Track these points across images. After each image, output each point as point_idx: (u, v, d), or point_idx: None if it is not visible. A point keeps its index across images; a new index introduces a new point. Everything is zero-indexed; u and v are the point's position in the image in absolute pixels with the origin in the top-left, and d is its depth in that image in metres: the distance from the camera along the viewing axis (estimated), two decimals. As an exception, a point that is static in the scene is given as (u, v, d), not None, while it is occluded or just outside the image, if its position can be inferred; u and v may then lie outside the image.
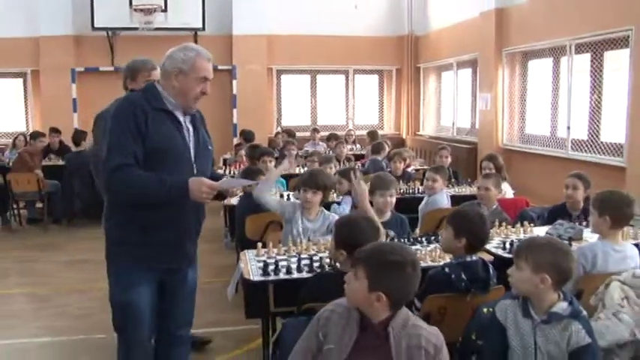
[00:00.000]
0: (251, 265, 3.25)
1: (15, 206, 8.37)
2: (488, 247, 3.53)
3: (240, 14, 10.97)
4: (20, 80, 11.05)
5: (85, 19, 10.24)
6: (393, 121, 12.39)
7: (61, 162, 8.61)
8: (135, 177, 2.59)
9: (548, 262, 2.30)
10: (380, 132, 11.48)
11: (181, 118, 2.76)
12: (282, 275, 3.09)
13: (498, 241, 3.72)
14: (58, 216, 8.36)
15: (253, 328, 4.09)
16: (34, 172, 7.92)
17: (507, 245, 3.59)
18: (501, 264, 3.11)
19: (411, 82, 12.05)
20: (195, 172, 2.73)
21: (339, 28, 11.39)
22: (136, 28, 10.01)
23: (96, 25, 10.17)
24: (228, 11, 10.94)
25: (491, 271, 2.78)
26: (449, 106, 11.00)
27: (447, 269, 2.78)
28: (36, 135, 8.45)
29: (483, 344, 2.40)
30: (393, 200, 3.94)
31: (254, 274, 3.10)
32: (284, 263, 3.22)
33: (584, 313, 2.37)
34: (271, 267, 3.10)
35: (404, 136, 12.17)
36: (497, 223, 3.94)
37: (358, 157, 8.60)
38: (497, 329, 2.39)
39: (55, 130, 9.09)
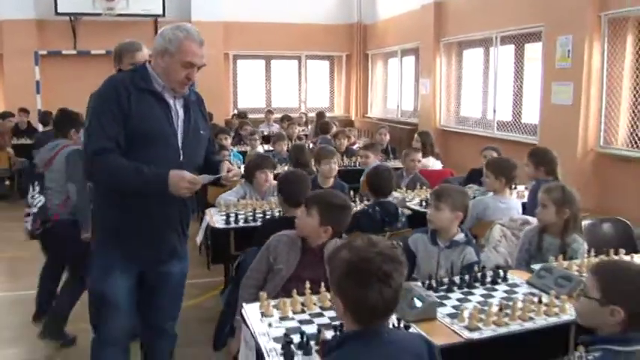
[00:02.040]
0: (215, 217, 4.01)
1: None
2: (409, 204, 4.41)
3: (198, 1, 11.52)
4: (-18, 63, 11.36)
5: (48, 3, 10.60)
6: (343, 104, 13.19)
7: (29, 141, 9.10)
8: (113, 164, 2.43)
9: (462, 203, 3.17)
10: (331, 114, 12.30)
11: (170, 101, 2.57)
12: (241, 224, 3.86)
13: (417, 200, 4.58)
14: (26, 191, 8.86)
15: (216, 280, 4.88)
16: (6, 150, 8.42)
17: (424, 203, 4.44)
18: (419, 217, 3.97)
19: (359, 68, 12.86)
20: (181, 158, 2.56)
21: (293, 15, 12.04)
22: (98, 14, 10.46)
23: (59, 11, 10.56)
24: (187, -2, 11.51)
25: (399, 211, 3.66)
26: (394, 91, 11.85)
27: (368, 208, 3.66)
28: (5, 115, 8.92)
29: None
30: (335, 167, 4.76)
31: (218, 223, 3.86)
32: (242, 215, 3.99)
33: (474, 241, 3.23)
34: (232, 217, 3.87)
35: (353, 118, 12.98)
36: (418, 186, 4.83)
37: (307, 137, 9.37)
38: (408, 255, 3.22)
39: (23, 110, 9.54)
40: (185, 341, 3.88)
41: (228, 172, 2.70)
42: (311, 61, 12.96)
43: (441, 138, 9.35)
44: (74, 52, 11.00)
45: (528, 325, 2.28)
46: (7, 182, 8.99)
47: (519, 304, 2.38)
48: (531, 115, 7.64)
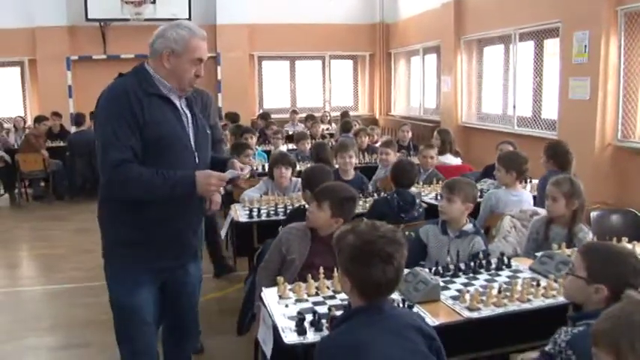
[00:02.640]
0: (240, 212, 4.23)
1: (21, 185, 9.23)
2: (425, 198, 4.58)
3: (223, 5, 11.81)
4: (18, 69, 11.73)
5: (78, 10, 10.97)
6: (366, 103, 13.34)
7: (62, 143, 9.47)
8: (136, 175, 2.35)
9: (472, 195, 3.34)
10: (355, 113, 12.49)
11: (177, 103, 2.52)
12: (263, 218, 4.07)
13: (433, 195, 4.74)
14: (61, 192, 9.25)
15: (240, 274, 5.11)
16: (41, 152, 8.79)
17: (439, 197, 4.59)
18: (434, 210, 4.14)
19: (383, 67, 12.98)
20: (197, 161, 2.53)
21: (316, 16, 12.22)
22: (127, 19, 10.79)
23: (89, 17, 10.92)
24: (212, 2, 11.76)
25: (417, 200, 3.95)
26: (417, 89, 11.97)
27: (387, 195, 3.98)
28: (40, 118, 9.31)
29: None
30: (352, 160, 4.98)
31: (242, 218, 4.08)
32: (264, 210, 4.21)
33: (482, 231, 3.39)
34: (255, 212, 4.09)
35: (377, 117, 13.12)
36: (434, 181, 5.00)
37: (332, 135, 9.56)
38: (420, 244, 3.40)
39: (56, 114, 9.93)
40: (212, 330, 4.16)
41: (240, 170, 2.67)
42: (335, 61, 13.13)
43: (463, 134, 9.45)
44: (104, 56, 11.37)
45: (526, 306, 2.45)
46: (43, 184, 9.38)
47: (518, 287, 2.54)
48: (551, 110, 7.70)
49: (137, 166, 2.36)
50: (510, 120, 8.54)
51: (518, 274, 2.81)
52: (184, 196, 2.43)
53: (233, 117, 9.83)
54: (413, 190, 4.57)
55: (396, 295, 2.47)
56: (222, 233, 4.53)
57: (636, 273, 2.02)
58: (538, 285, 2.56)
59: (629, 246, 3.07)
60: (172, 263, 2.62)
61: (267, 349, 2.33)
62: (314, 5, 12.22)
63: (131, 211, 2.45)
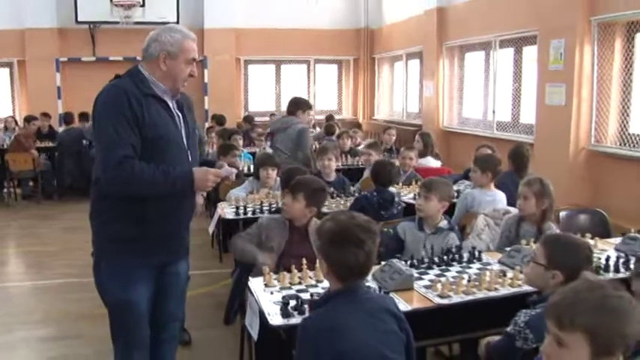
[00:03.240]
0: (226, 210, 4.42)
1: (9, 184, 9.33)
2: (404, 198, 4.79)
3: (210, 9, 11.98)
4: (7, 70, 11.81)
5: (68, 12, 11.09)
6: (350, 107, 13.56)
7: (51, 144, 9.58)
8: (138, 171, 2.45)
9: (448, 194, 3.57)
10: (339, 116, 12.72)
11: (170, 104, 2.65)
12: (249, 215, 4.26)
13: (411, 195, 4.95)
14: (50, 192, 9.36)
15: (227, 271, 5.27)
16: (30, 152, 8.90)
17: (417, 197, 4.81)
18: (412, 209, 4.36)
19: (367, 71, 13.22)
20: (190, 159, 2.68)
21: (301, 21, 12.45)
22: (116, 22, 10.92)
23: (79, 19, 11.05)
24: (200, 7, 11.94)
25: (396, 199, 4.18)
26: (400, 93, 12.21)
27: (367, 193, 4.22)
28: (30, 118, 9.42)
29: (383, 250, 3.61)
30: (332, 163, 5.19)
31: (229, 215, 4.26)
32: (250, 208, 4.40)
33: (456, 227, 3.61)
34: (241, 210, 4.28)
35: (360, 120, 13.35)
36: (413, 182, 5.22)
37: (316, 138, 9.74)
38: (397, 240, 3.61)
39: (45, 115, 10.04)
40: (198, 323, 4.34)
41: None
42: (319, 65, 13.34)
43: (444, 138, 9.71)
44: (93, 58, 11.49)
45: (493, 294, 2.66)
46: (32, 183, 9.47)
47: (487, 277, 2.75)
48: (529, 115, 7.95)
49: (139, 163, 2.46)
50: (490, 124, 8.80)
51: (488, 267, 3.03)
52: (182, 191, 2.56)
53: (219, 119, 10.01)
54: (392, 189, 4.80)
55: (373, 284, 2.67)
56: (210, 230, 4.71)
57: (588, 261, 2.26)
58: (505, 275, 2.78)
59: (591, 241, 3.31)
60: (167, 258, 2.73)
61: (254, 332, 2.52)
62: (300, 10, 12.43)
63: (128, 208, 2.54)
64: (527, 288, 2.64)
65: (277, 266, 3.10)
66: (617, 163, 6.35)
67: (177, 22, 11.25)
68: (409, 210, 4.39)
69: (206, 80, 12.20)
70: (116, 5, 10.86)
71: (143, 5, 11.01)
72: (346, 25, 13.02)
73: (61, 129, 10.13)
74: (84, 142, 9.05)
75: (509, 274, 2.83)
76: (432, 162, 6.52)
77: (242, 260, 3.34)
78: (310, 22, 12.53)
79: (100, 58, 11.42)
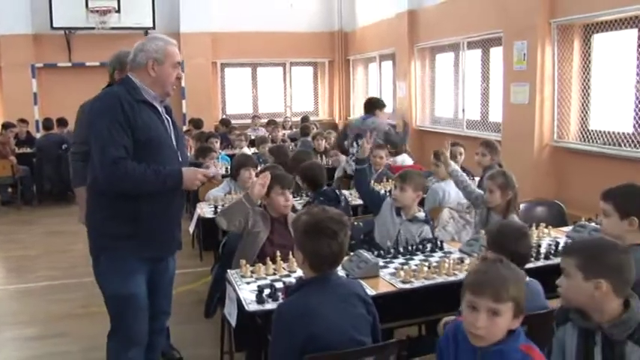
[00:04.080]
0: (205, 209, 4.61)
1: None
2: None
3: (186, 14, 12.14)
4: (-18, 76, 11.87)
5: (43, 18, 11.16)
6: (327, 108, 13.81)
7: (29, 150, 9.65)
8: (131, 170, 2.63)
9: (422, 185, 3.83)
10: (315, 118, 12.97)
11: (160, 109, 2.83)
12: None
13: (383, 192, 5.18)
14: (29, 198, 9.44)
15: (207, 269, 5.47)
16: (9, 158, 8.97)
17: (388, 194, 5.05)
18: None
19: (342, 73, 13.49)
20: (180, 159, 2.88)
21: (277, 24, 12.65)
22: (92, 28, 11.01)
23: (55, 25, 11.12)
24: (176, 11, 12.08)
25: (337, 193, 4.51)
26: (374, 94, 12.46)
27: (313, 199, 4.44)
28: (7, 125, 9.50)
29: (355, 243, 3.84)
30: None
31: (207, 214, 4.46)
32: (228, 206, 4.61)
33: (431, 221, 3.87)
34: (219, 209, 4.47)
35: (337, 121, 13.60)
36: (384, 180, 5.47)
37: (293, 139, 9.97)
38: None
39: (23, 121, 10.11)
40: (181, 319, 4.52)
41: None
42: (295, 68, 13.57)
43: (417, 137, 9.99)
44: (69, 64, 11.57)
45: (451, 279, 2.91)
46: (10, 189, 9.54)
47: (446, 264, 3.00)
48: (497, 114, 8.26)
49: (132, 163, 2.66)
50: (460, 123, 9.10)
51: (449, 255, 3.27)
52: (172, 189, 2.78)
53: (197, 123, 10.18)
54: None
55: (342, 273, 2.90)
56: (190, 230, 4.89)
57: (528, 246, 2.57)
58: (462, 262, 3.03)
59: (546, 230, 3.58)
60: (160, 253, 2.93)
61: (232, 319, 2.73)
62: (275, 14, 12.64)
63: (122, 206, 2.72)
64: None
65: (260, 256, 3.26)
66: (578, 158, 6.67)
67: (154, 27, 11.43)
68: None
69: (183, 84, 12.29)
70: (92, 11, 10.97)
71: (119, 11, 11.14)
72: (321, 27, 13.26)
73: (38, 135, 10.19)
74: (63, 146, 9.16)
75: (467, 260, 3.08)
76: (407, 160, 6.79)
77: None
78: (285, 25, 12.75)
79: (76, 63, 11.51)
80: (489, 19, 7.98)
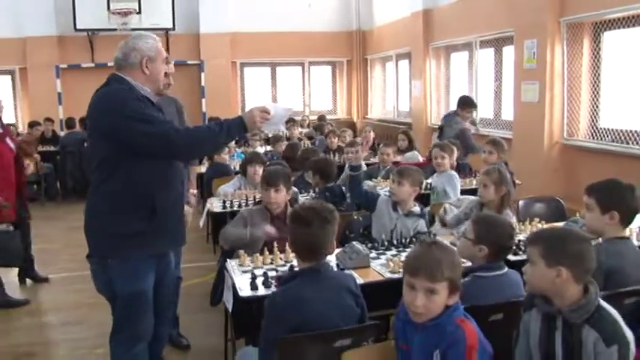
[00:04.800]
0: (215, 204, 4.80)
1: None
2: (382, 191, 5.17)
3: (206, 14, 12.37)
4: (9, 77, 12.23)
5: (67, 20, 11.52)
6: (345, 106, 13.95)
7: (53, 148, 9.98)
8: (194, 132, 2.73)
9: (419, 180, 3.96)
10: (333, 116, 13.14)
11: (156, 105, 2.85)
12: (235, 208, 4.65)
13: (388, 188, 5.32)
14: (52, 194, 9.76)
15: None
16: (33, 156, 9.27)
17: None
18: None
19: (359, 72, 13.63)
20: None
21: (295, 24, 12.82)
22: (114, 29, 11.29)
23: (78, 27, 11.47)
24: (195, 12, 12.31)
25: (343, 189, 4.62)
26: (391, 93, 12.60)
27: (320, 193, 4.62)
28: (33, 124, 9.85)
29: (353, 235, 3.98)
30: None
31: (217, 208, 4.65)
32: (237, 202, 4.79)
33: (426, 214, 3.99)
34: (228, 203, 4.66)
35: (355, 120, 13.74)
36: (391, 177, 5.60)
37: (310, 137, 10.13)
38: (373, 197, 4.06)
39: (49, 120, 10.47)
40: (192, 309, 4.73)
41: None
42: (314, 67, 13.74)
43: (431, 136, 10.05)
44: (92, 64, 11.88)
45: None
46: (35, 186, 9.86)
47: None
48: (509, 112, 8.33)
49: (186, 127, 2.79)
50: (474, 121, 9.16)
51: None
52: (237, 136, 2.89)
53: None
54: (370, 184, 5.19)
55: (333, 263, 3.05)
56: (200, 223, 5.09)
57: (511, 238, 2.65)
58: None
59: (539, 225, 3.69)
60: (171, 247, 3.00)
61: (229, 305, 2.90)
62: (294, 14, 12.81)
63: (139, 202, 2.71)
64: (468, 264, 3.01)
65: (262, 251, 3.40)
66: (588, 156, 6.71)
67: (174, 28, 11.68)
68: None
69: (203, 84, 12.58)
70: (113, 13, 11.25)
71: (139, 12, 11.40)
72: (339, 27, 13.39)
73: (62, 133, 10.52)
74: (85, 144, 9.44)
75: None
76: (417, 157, 6.92)
77: (237, 245, 3.52)
78: (304, 25, 12.89)
79: (99, 64, 11.78)
80: (501, 18, 8.04)
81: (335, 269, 2.91)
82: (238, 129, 2.75)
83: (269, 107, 2.80)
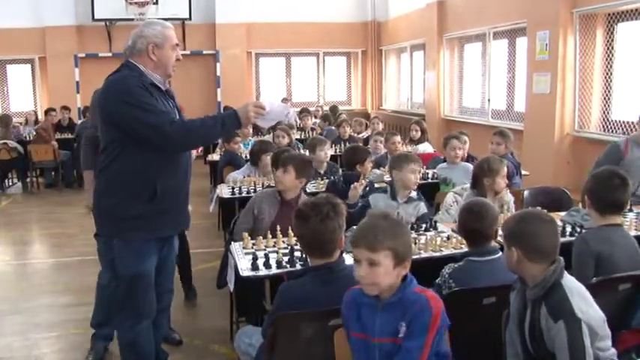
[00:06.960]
0: (224, 190, 4.91)
1: (33, 174, 9.94)
2: (387, 179, 5.24)
3: (222, 5, 12.50)
4: (28, 66, 12.49)
5: (86, 11, 11.75)
6: (359, 97, 14.00)
7: (70, 135, 10.16)
8: (190, 125, 2.73)
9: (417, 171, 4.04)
10: (348, 107, 13.20)
11: (163, 92, 2.88)
12: (244, 194, 4.74)
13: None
14: (70, 180, 9.95)
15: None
16: (51, 143, 9.48)
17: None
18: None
19: (374, 63, 13.66)
20: None
21: (311, 15, 12.93)
22: (131, 19, 11.44)
23: (96, 17, 11.67)
24: (211, 2, 12.45)
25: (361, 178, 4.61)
26: (406, 84, 12.62)
27: (336, 178, 4.69)
28: (48, 110, 10.02)
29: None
30: (327, 153, 5.49)
31: (226, 195, 4.75)
32: (245, 188, 4.88)
33: (423, 199, 4.07)
34: (237, 190, 4.76)
35: (369, 111, 13.77)
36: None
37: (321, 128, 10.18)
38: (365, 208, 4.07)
39: (65, 108, 10.66)
40: (203, 292, 4.86)
41: None
42: (329, 58, 13.81)
43: (445, 127, 10.09)
44: (110, 54, 12.06)
45: (437, 254, 3.11)
46: (53, 173, 10.08)
47: (435, 241, 3.20)
48: (522, 103, 8.32)
49: (184, 119, 2.83)
50: (486, 113, 9.18)
51: (440, 234, 3.47)
52: (232, 129, 2.89)
53: (229, 111, 10.50)
54: (377, 172, 5.26)
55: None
56: (210, 208, 5.20)
57: (490, 225, 2.72)
58: (448, 239, 3.23)
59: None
60: (174, 231, 3.05)
61: (231, 285, 3.00)
62: (309, 4, 12.90)
63: (140, 187, 2.76)
64: (466, 249, 3.09)
65: (265, 236, 3.46)
66: (599, 148, 6.65)
67: (190, 18, 11.81)
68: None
69: (218, 74, 12.70)
70: (130, 3, 11.42)
71: (156, 3, 11.55)
72: (354, 18, 13.43)
73: (79, 121, 10.69)
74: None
75: (453, 238, 3.27)
76: (428, 148, 6.96)
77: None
78: (319, 15, 12.99)
79: (117, 53, 11.92)
80: (514, 9, 8.03)
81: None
82: (232, 123, 2.78)
83: (265, 103, 2.83)
